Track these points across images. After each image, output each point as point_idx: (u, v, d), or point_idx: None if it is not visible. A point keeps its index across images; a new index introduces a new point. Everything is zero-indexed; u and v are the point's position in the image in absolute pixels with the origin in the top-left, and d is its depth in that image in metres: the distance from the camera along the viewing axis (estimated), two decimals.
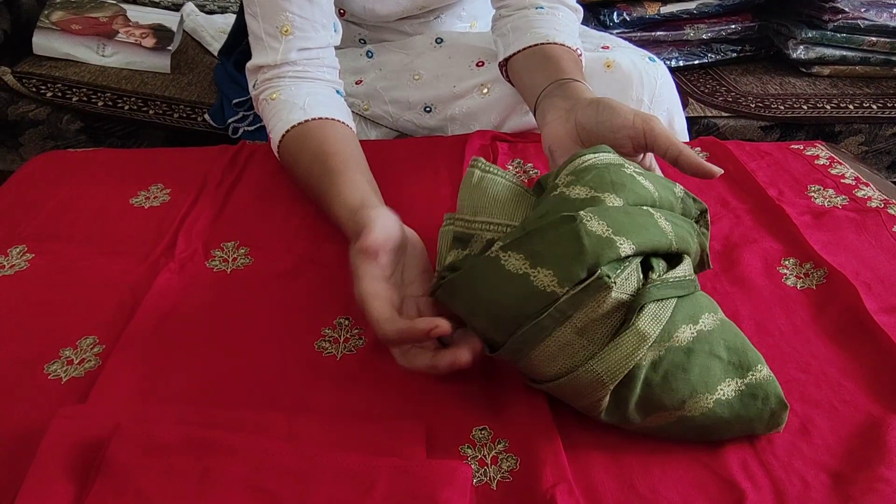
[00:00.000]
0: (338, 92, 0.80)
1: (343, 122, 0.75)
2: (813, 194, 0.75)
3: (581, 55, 0.79)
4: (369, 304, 0.49)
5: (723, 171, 0.56)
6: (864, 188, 0.76)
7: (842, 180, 0.78)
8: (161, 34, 1.38)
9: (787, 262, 0.64)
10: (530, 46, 0.78)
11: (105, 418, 0.45)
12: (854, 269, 0.62)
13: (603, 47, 1.01)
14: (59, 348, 0.54)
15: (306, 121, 0.73)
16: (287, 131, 0.73)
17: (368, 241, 0.51)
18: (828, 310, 0.58)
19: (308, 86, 0.77)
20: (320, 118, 0.73)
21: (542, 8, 0.84)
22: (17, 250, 0.65)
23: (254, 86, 0.80)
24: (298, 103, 0.75)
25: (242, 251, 0.66)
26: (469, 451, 0.46)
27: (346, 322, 0.57)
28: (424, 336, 0.47)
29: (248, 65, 0.80)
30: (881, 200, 0.73)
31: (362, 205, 0.60)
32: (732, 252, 0.65)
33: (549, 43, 0.78)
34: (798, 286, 0.61)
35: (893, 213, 0.71)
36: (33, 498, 0.40)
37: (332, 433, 0.45)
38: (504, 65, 0.83)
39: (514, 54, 0.80)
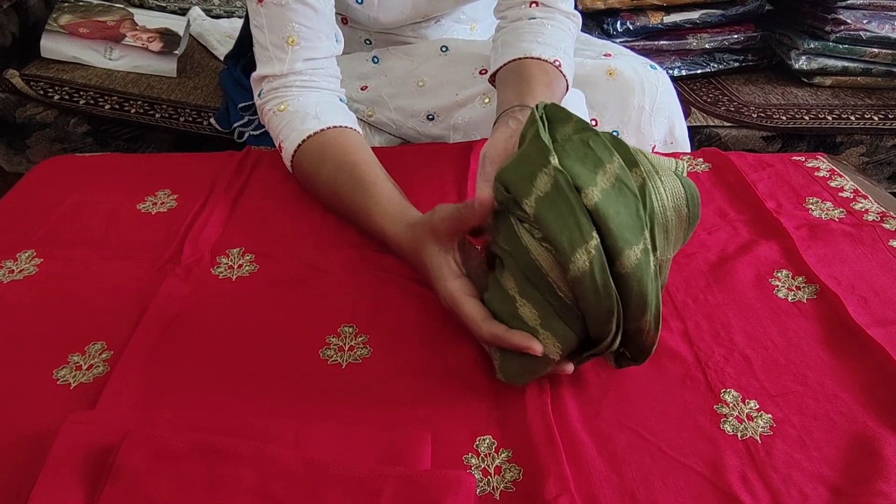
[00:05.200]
0: (340, 100, 0.81)
1: (356, 130, 0.76)
2: (811, 206, 0.76)
3: (560, 65, 0.80)
4: (463, 303, 0.52)
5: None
6: (863, 201, 0.77)
7: (840, 193, 0.78)
8: (168, 38, 1.39)
9: (779, 275, 0.65)
10: (511, 62, 0.80)
11: (114, 424, 0.46)
12: (849, 282, 0.63)
13: (605, 55, 1.02)
14: (68, 354, 0.54)
15: (322, 130, 0.74)
16: (303, 141, 0.74)
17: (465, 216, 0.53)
18: (819, 323, 0.59)
19: (315, 95, 0.78)
20: (336, 126, 0.74)
21: (534, 18, 0.85)
22: (27, 255, 0.66)
23: (259, 95, 0.80)
24: (311, 112, 0.75)
25: (248, 258, 0.66)
26: (473, 460, 0.46)
27: (351, 330, 0.57)
28: (517, 348, 0.49)
29: (254, 75, 0.80)
30: (878, 214, 0.74)
31: (407, 211, 0.64)
32: (726, 263, 0.66)
33: (527, 58, 0.79)
34: (789, 299, 0.62)
35: (889, 227, 0.71)
36: (44, 503, 0.41)
37: (337, 441, 0.46)
38: (492, 80, 0.85)
39: (498, 70, 0.82)
